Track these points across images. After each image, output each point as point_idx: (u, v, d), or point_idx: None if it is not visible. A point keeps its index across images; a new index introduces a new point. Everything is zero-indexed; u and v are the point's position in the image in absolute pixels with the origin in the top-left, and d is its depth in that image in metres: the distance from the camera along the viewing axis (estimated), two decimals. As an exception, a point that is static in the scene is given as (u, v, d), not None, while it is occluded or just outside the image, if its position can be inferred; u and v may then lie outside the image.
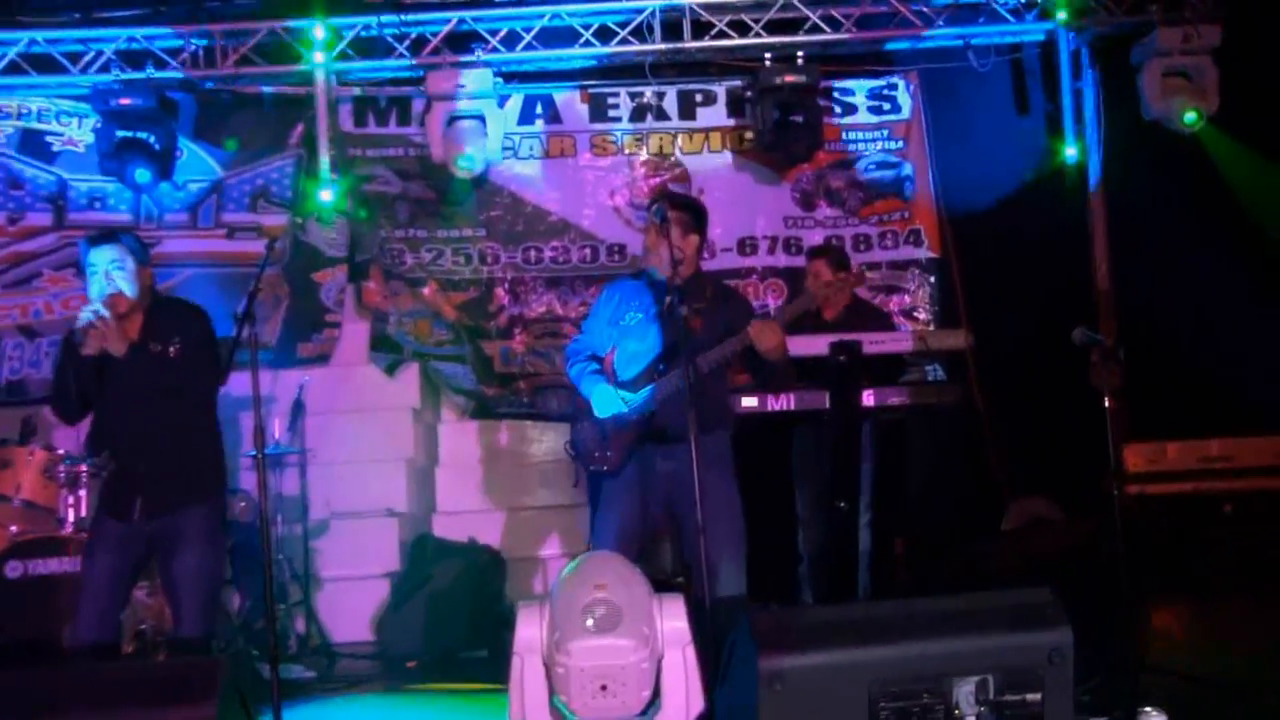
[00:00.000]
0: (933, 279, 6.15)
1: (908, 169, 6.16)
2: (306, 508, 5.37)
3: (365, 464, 5.74)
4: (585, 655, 2.75)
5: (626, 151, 6.11)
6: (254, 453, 3.30)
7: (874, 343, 4.43)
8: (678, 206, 3.73)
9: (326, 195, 5.75)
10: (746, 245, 6.12)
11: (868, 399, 4.34)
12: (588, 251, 6.08)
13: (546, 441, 6.06)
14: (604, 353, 3.87)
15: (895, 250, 6.18)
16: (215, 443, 3.55)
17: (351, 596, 5.44)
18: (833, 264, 4.79)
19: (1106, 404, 3.83)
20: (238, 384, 3.51)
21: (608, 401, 3.70)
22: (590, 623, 2.77)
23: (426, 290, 6.03)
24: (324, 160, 5.75)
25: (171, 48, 5.74)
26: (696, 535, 3.18)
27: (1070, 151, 5.89)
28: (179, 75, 5.68)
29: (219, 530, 3.43)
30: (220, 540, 3.45)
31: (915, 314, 6.13)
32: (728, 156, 6.14)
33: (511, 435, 6.11)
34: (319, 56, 5.68)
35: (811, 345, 4.36)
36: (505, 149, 5.97)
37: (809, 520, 4.79)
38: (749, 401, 4.30)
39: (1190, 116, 5.51)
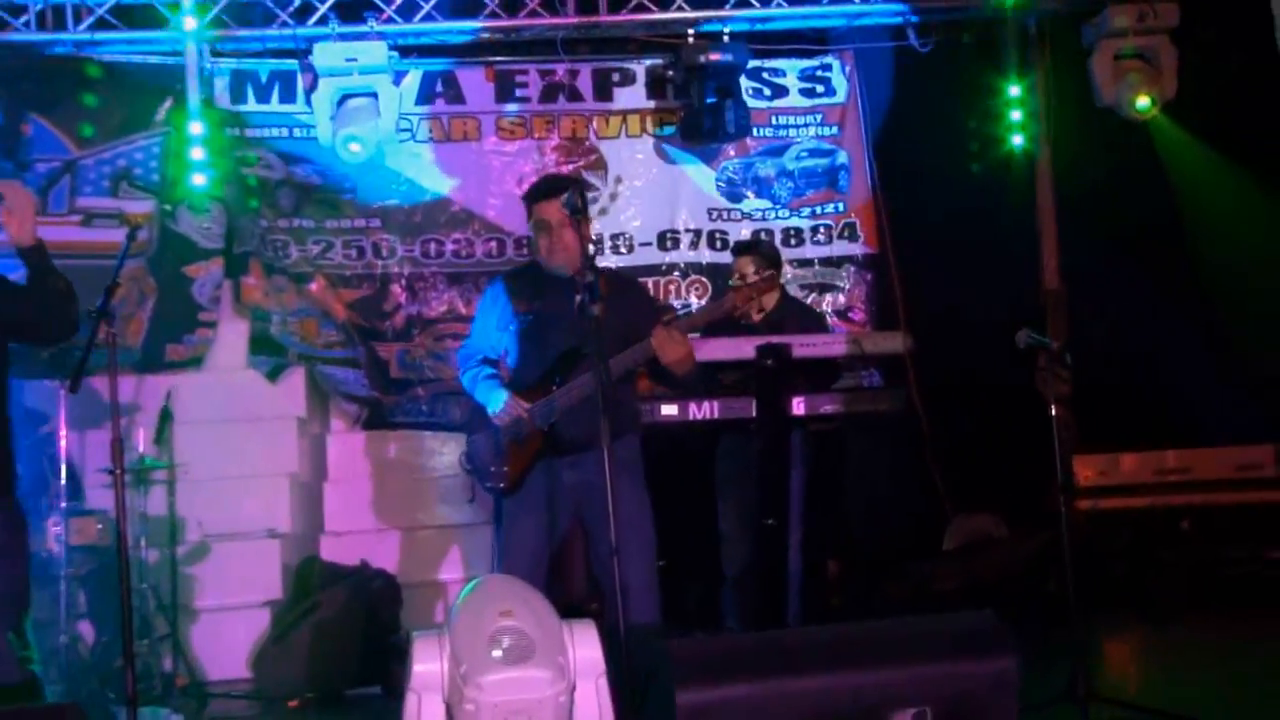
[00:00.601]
0: (869, 277, 6.18)
1: (842, 157, 6.19)
2: (176, 530, 5.25)
3: (244, 480, 5.64)
4: (498, 689, 2.71)
5: (536, 135, 6.05)
6: (111, 468, 3.17)
7: (805, 345, 4.43)
8: (584, 196, 3.70)
9: (199, 179, 5.60)
10: (667, 239, 6.11)
11: (798, 407, 4.34)
12: (493, 245, 6.02)
13: (447, 454, 6.00)
14: (496, 356, 3.87)
15: (829, 246, 6.20)
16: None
17: (226, 629, 5.32)
18: (760, 261, 4.78)
19: (1053, 412, 3.86)
20: (91, 390, 3.39)
21: (505, 410, 3.67)
22: (499, 654, 2.75)
23: (314, 286, 5.92)
24: (196, 140, 5.61)
25: (14, 5, 5.50)
26: (609, 556, 3.17)
27: (1017, 140, 5.91)
28: (24, 38, 5.45)
29: (14, 543, 3.17)
30: (16, 555, 3.19)
31: (850, 315, 6.18)
32: (647, 142, 6.12)
33: (408, 447, 6.05)
34: (189, 22, 5.52)
35: (737, 348, 4.35)
36: (401, 131, 5.88)
37: (733, 538, 4.80)
38: (669, 410, 4.29)
39: (1143, 103, 5.53)
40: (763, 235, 6.08)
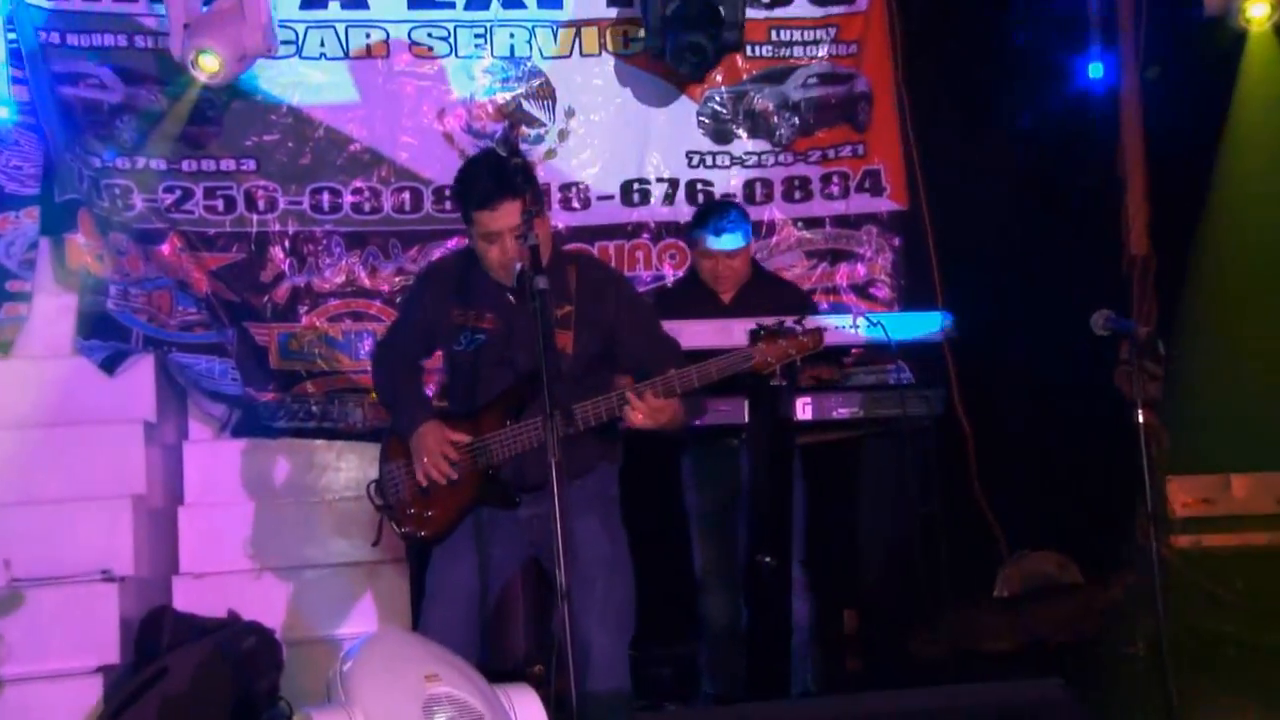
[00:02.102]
0: (897, 241, 6.09)
1: (863, 84, 6.07)
2: None
3: (70, 505, 5.39)
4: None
5: (461, 53, 5.87)
6: None
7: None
8: (531, 181, 3.68)
9: (3, 113, 5.33)
10: (634, 192, 5.99)
11: (803, 410, 4.38)
12: (406, 196, 5.89)
13: (346, 470, 5.90)
14: (427, 358, 3.94)
15: (844, 200, 6.10)
16: None
17: (43, 704, 5.03)
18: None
19: (1140, 418, 3.85)
20: None
21: (426, 447, 3.67)
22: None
23: (166, 248, 5.68)
24: None
25: None
26: (561, 605, 3.15)
27: (1097, 67, 5.85)
28: None
29: None
30: None
31: (872, 290, 6.10)
32: (608, 64, 5.98)
33: (294, 461, 5.93)
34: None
35: (719, 333, 4.32)
36: (284, 44, 5.68)
37: (715, 583, 4.84)
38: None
39: (1259, 8, 5.51)
40: (758, 186, 5.91)
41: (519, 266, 3.42)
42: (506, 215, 3.57)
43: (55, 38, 5.56)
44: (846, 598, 5.35)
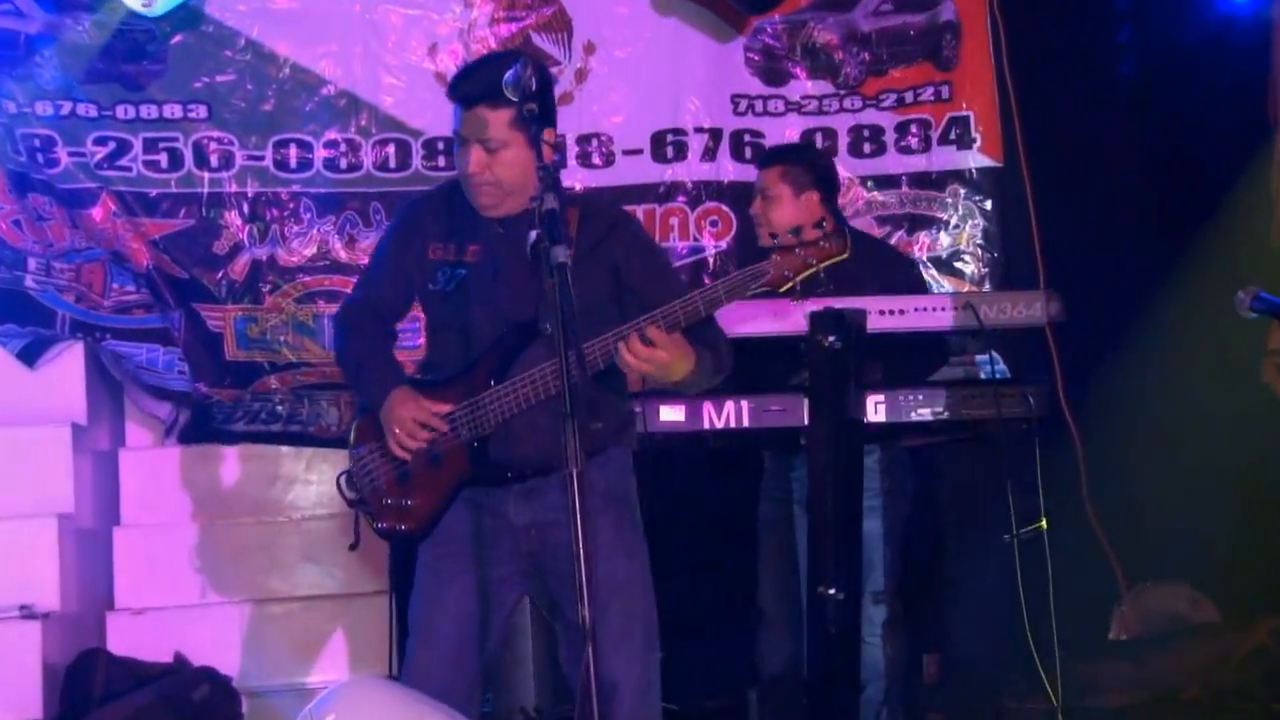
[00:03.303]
0: (989, 204, 6.01)
1: (949, 12, 5.98)
2: None
3: None
4: None
5: None
6: None
7: (887, 313, 4.38)
8: (541, 76, 3.57)
9: None
10: (667, 145, 5.92)
11: (876, 410, 4.34)
12: (391, 150, 5.84)
13: (318, 481, 5.91)
14: (401, 318, 3.91)
15: (925, 155, 6.02)
16: None
17: None
18: (799, 179, 4.75)
19: None
20: None
21: (398, 418, 3.62)
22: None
23: (97, 212, 5.61)
24: None
25: None
26: (581, 638, 3.03)
27: None
28: None
29: None
30: None
31: (958, 264, 6.05)
32: None
33: (254, 472, 5.92)
34: None
35: (778, 318, 4.30)
36: None
37: (777, 617, 4.84)
38: (671, 414, 4.33)
39: None
40: (816, 136, 5.80)
41: (533, 235, 3.32)
42: (477, 122, 3.56)
43: None
44: (927, 639, 5.29)
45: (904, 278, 4.87)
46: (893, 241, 5.85)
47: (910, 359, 4.50)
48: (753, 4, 5.66)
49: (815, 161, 4.87)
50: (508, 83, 3.36)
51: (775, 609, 4.82)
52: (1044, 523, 4.52)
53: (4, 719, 5.05)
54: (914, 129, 5.94)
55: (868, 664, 4.63)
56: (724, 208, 5.84)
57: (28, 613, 5.18)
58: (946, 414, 4.35)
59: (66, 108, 5.58)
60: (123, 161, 5.62)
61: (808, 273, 3.54)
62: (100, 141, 5.60)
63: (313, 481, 5.87)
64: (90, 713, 5.01)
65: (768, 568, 4.87)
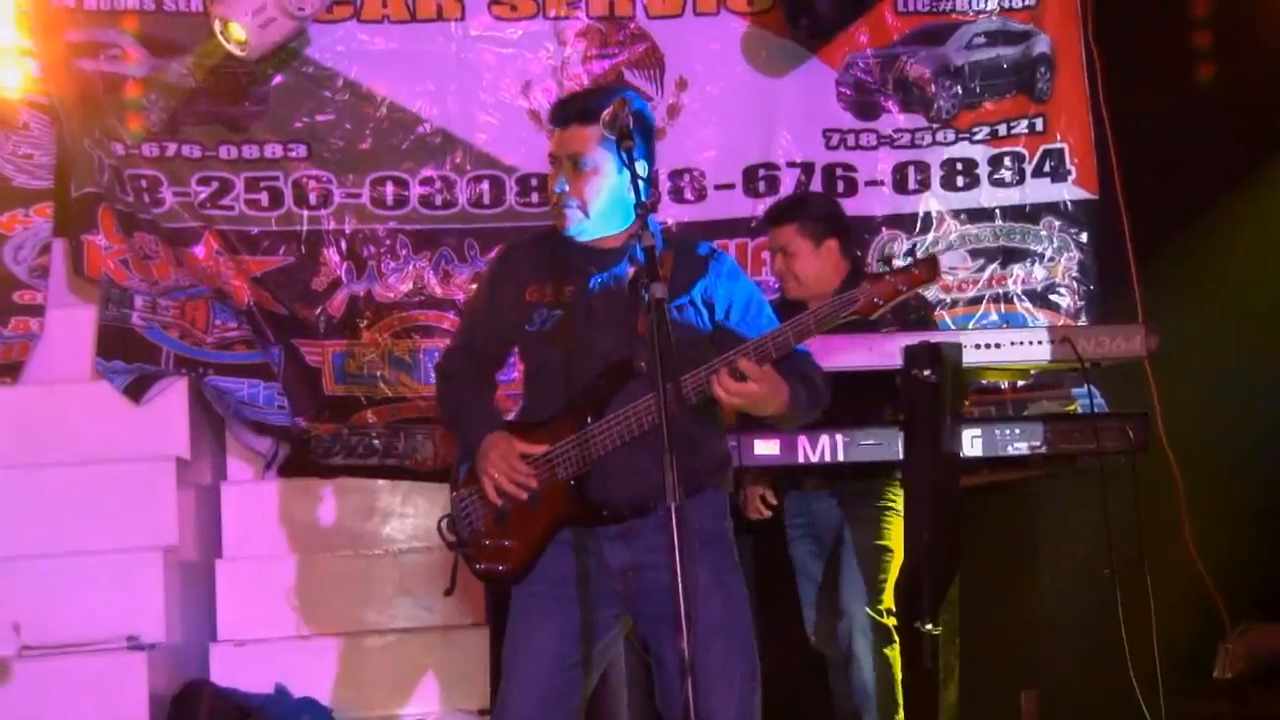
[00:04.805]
0: (1085, 237, 5.95)
1: (1043, 44, 5.93)
2: None
3: (89, 559, 5.43)
4: None
5: (552, 13, 5.81)
6: None
7: (982, 345, 4.34)
8: (638, 115, 3.59)
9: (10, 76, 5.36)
10: (759, 179, 5.91)
11: (972, 444, 4.31)
12: (485, 186, 5.85)
13: (414, 515, 5.91)
14: (501, 366, 3.91)
15: (1019, 188, 5.97)
16: None
17: None
18: (816, 230, 4.80)
19: None
20: None
21: (493, 463, 3.59)
22: None
23: (201, 251, 5.65)
24: (4, 12, 5.49)
25: None
26: (681, 680, 3.04)
27: None
28: None
29: None
30: None
31: (1054, 297, 5.96)
32: (729, 24, 5.86)
33: (352, 505, 5.93)
34: None
35: (870, 351, 4.28)
36: (340, 4, 5.71)
37: (837, 657, 4.84)
38: (766, 448, 4.29)
39: None
40: (912, 170, 5.75)
41: (630, 270, 3.39)
42: (569, 141, 3.57)
43: (70, 1, 5.51)
44: (1023, 676, 5.23)
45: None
46: (986, 275, 5.80)
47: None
48: (812, 33, 5.60)
49: (828, 211, 4.89)
50: (604, 120, 3.36)
51: (834, 650, 4.79)
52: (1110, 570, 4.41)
53: (110, 748, 5.18)
54: (1008, 162, 5.89)
55: (856, 687, 4.64)
56: None
57: (134, 644, 5.24)
58: (1044, 448, 4.29)
59: (171, 149, 5.65)
60: (225, 200, 5.67)
61: (898, 299, 3.52)
62: (204, 181, 5.67)
63: (409, 515, 5.88)
64: (195, 743, 4.98)
65: (816, 607, 4.86)
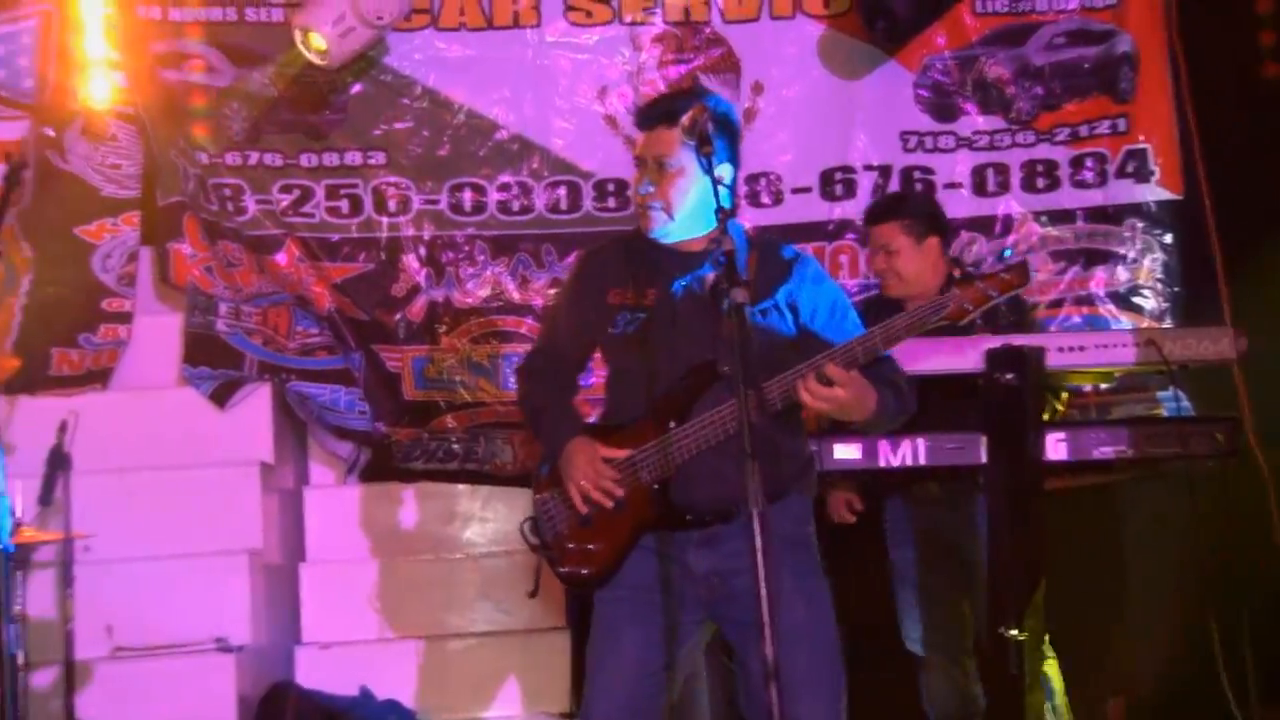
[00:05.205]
0: (1169, 238, 5.89)
1: (1126, 43, 5.87)
2: (70, 640, 5.11)
3: (177, 562, 5.50)
4: None
5: (628, 18, 5.80)
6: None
7: (1066, 350, 4.33)
8: (720, 119, 3.60)
9: (100, 88, 5.41)
10: (836, 183, 5.87)
11: (1056, 448, 4.23)
12: (563, 192, 5.86)
13: (494, 520, 5.93)
14: (582, 370, 3.92)
15: (1102, 189, 5.90)
16: None
17: None
18: (918, 228, 4.76)
19: None
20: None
21: (577, 467, 3.60)
22: None
23: (283, 258, 5.70)
24: (91, 26, 5.53)
25: None
26: (764, 684, 3.05)
27: None
28: None
29: None
30: None
31: (1137, 299, 5.89)
32: (806, 28, 5.83)
33: (432, 509, 5.96)
34: None
35: (952, 354, 4.27)
36: (417, 13, 5.67)
37: (934, 659, 4.78)
38: (846, 452, 4.27)
39: None
40: (991, 173, 5.71)
41: (712, 276, 3.39)
42: (653, 142, 3.59)
43: (155, 13, 5.64)
44: (1110, 683, 5.12)
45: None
46: (1068, 277, 5.76)
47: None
48: (889, 36, 5.57)
49: (930, 210, 4.88)
50: (683, 126, 3.39)
51: (933, 652, 4.77)
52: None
53: (198, 747, 5.25)
54: (1089, 163, 5.83)
55: (1047, 699, 4.53)
56: None
57: (222, 646, 5.32)
58: (1131, 452, 4.22)
59: (254, 157, 5.70)
60: (306, 208, 5.71)
61: (988, 305, 3.49)
62: (285, 189, 5.72)
63: (489, 519, 5.90)
64: (282, 744, 5.06)
65: (915, 612, 4.82)
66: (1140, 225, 5.80)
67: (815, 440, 4.08)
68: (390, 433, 5.71)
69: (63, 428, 5.06)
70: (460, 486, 5.87)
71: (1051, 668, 4.53)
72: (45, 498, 4.97)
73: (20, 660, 4.67)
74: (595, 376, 4.50)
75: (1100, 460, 4.29)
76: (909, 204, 5.04)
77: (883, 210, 4.92)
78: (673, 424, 3.51)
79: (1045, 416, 4.38)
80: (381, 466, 5.75)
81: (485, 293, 5.76)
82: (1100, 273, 5.79)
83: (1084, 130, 5.82)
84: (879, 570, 4.85)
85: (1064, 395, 4.53)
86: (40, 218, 5.64)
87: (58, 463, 5.01)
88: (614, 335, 3.65)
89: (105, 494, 5.30)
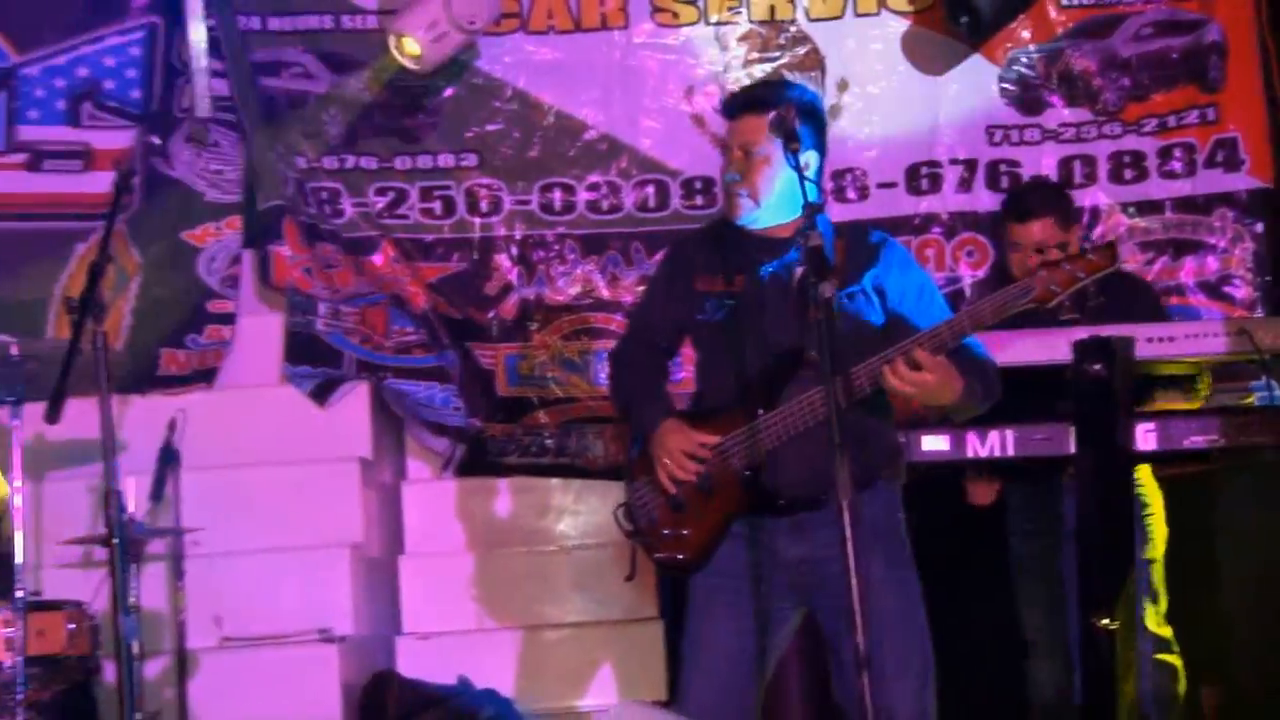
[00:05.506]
0: (1259, 227, 5.77)
1: (1214, 32, 5.74)
2: (182, 631, 5.20)
3: (282, 555, 5.57)
4: None
5: (713, 18, 5.79)
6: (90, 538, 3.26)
7: (1155, 339, 4.21)
8: (807, 108, 3.62)
9: (204, 106, 5.53)
10: (922, 177, 5.84)
11: (1145, 438, 4.15)
12: (651, 190, 5.87)
13: (586, 512, 5.93)
14: (673, 356, 3.92)
15: (1190, 179, 5.81)
16: None
17: None
18: (1065, 221, 4.67)
19: None
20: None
21: (667, 449, 3.61)
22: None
23: (379, 258, 5.75)
24: (196, 37, 5.55)
25: None
26: (857, 671, 3.06)
27: None
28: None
29: None
30: None
31: (1227, 289, 5.80)
32: (890, 24, 5.81)
33: (526, 503, 5.98)
34: None
35: (1041, 345, 4.18)
36: (507, 17, 5.70)
37: (1043, 645, 4.75)
38: (934, 443, 4.20)
39: None
40: (1078, 165, 5.65)
41: (799, 271, 3.41)
42: (740, 129, 3.62)
43: (255, 22, 5.74)
44: (1208, 668, 5.01)
45: (1146, 304, 4.74)
46: (1156, 268, 5.69)
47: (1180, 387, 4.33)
48: (973, 30, 5.51)
49: (1070, 201, 4.81)
50: (771, 123, 3.39)
51: (1043, 640, 4.71)
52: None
53: (304, 736, 5.34)
54: (1177, 153, 5.74)
55: (1141, 688, 4.49)
56: (980, 238, 5.72)
57: (326, 636, 5.36)
58: (1223, 441, 4.14)
59: (350, 161, 5.76)
60: (401, 210, 5.76)
61: (1075, 287, 3.44)
62: (381, 192, 5.77)
63: (581, 512, 5.89)
64: (386, 733, 5.10)
65: (1030, 601, 4.77)
66: (1230, 215, 5.70)
67: (903, 432, 4.03)
68: (485, 428, 5.74)
69: (172, 425, 5.14)
70: (553, 480, 5.88)
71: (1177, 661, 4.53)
72: (156, 493, 5.03)
73: (135, 649, 4.61)
74: (684, 372, 4.50)
75: (1194, 448, 4.16)
76: (1062, 197, 4.91)
77: (1036, 205, 4.76)
78: (761, 411, 3.51)
79: (1194, 404, 4.34)
80: (476, 461, 5.76)
81: (576, 290, 5.78)
82: (1189, 262, 5.69)
83: (1172, 120, 5.73)
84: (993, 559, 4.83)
85: (1207, 379, 4.46)
86: (148, 223, 5.72)
87: (168, 459, 5.09)
88: (702, 322, 3.65)
89: (212, 489, 5.37)
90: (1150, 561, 4.57)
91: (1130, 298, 4.68)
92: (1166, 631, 4.55)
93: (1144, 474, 4.54)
